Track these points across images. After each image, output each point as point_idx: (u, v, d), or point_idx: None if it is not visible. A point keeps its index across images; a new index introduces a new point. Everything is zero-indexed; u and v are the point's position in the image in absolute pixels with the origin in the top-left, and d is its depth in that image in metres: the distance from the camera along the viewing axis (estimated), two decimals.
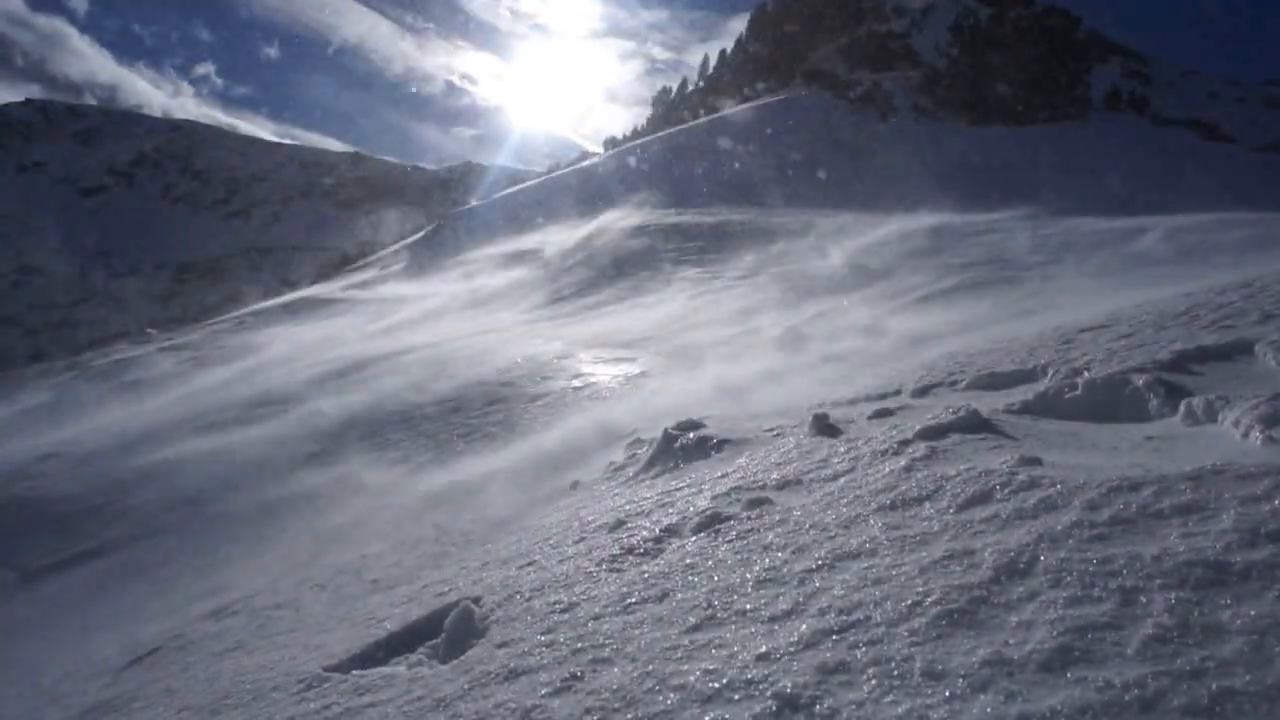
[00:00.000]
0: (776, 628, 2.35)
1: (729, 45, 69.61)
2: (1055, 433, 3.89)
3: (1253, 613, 1.80)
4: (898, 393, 5.99)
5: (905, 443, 3.80)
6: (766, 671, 2.11)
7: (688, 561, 3.11)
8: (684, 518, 3.68)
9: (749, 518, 3.41)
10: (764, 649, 2.23)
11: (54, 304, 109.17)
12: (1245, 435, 3.14)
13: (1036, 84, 47.86)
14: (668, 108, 67.27)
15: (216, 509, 9.08)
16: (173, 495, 9.58)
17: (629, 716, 2.10)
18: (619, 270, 23.05)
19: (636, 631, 2.61)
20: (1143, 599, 1.96)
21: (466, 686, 2.63)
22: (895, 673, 1.94)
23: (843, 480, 3.59)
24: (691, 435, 5.48)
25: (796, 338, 11.67)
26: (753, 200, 33.66)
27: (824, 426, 4.77)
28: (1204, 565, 2.03)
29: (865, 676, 1.96)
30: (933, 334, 9.88)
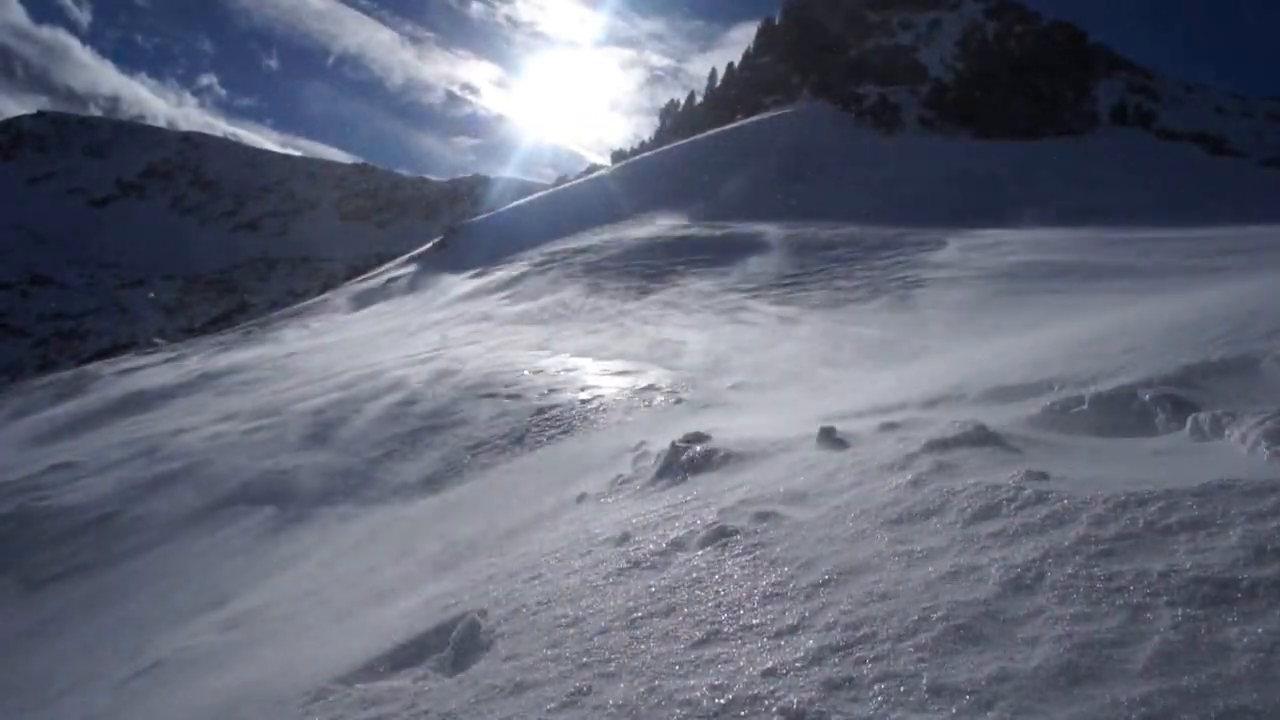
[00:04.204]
0: (783, 643, 2.35)
1: (730, 54, 70.11)
2: (1062, 447, 3.88)
3: (1260, 630, 1.79)
4: (904, 406, 5.98)
5: (912, 456, 3.80)
6: (772, 687, 2.10)
7: (694, 575, 3.11)
8: (690, 531, 3.68)
9: (756, 531, 3.41)
10: (770, 664, 2.23)
11: (63, 314, 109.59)
12: (1252, 450, 3.13)
13: (1043, 98, 47.92)
14: (676, 120, 67.49)
15: (223, 521, 9.09)
16: (180, 508, 9.59)
17: None
18: (634, 281, 23.09)
19: (642, 646, 2.61)
20: (1149, 615, 1.96)
21: (472, 700, 2.63)
22: (901, 688, 1.94)
23: (849, 494, 3.58)
24: (698, 448, 5.48)
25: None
26: (762, 212, 33.69)
27: (831, 440, 4.77)
28: (1211, 582, 2.03)
29: (871, 692, 1.96)
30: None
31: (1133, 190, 33.81)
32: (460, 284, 29.97)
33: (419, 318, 24.90)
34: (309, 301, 41.00)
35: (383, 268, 46.64)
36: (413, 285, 34.11)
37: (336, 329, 27.14)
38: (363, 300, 33.99)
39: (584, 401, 10.74)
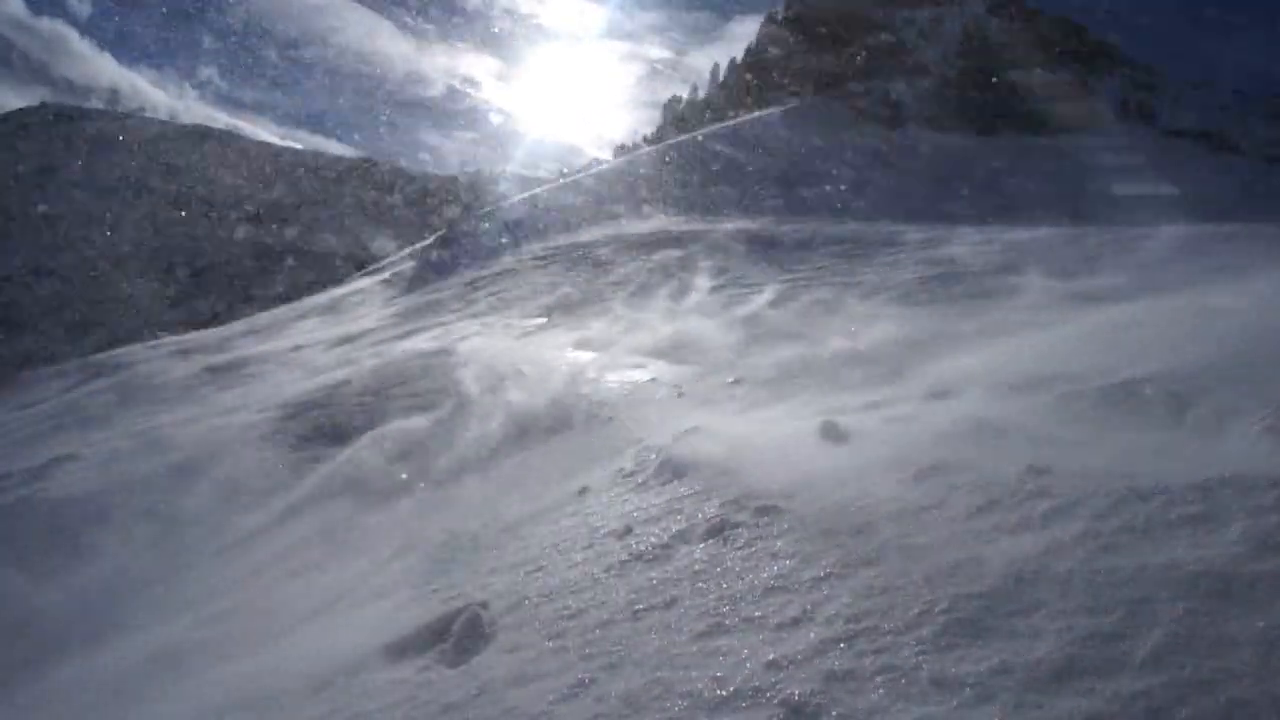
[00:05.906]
0: (784, 635, 2.36)
1: (731, 48, 69.92)
2: (1064, 441, 3.88)
3: (1261, 624, 1.80)
4: (907, 400, 5.98)
5: (914, 450, 3.80)
6: (774, 679, 2.11)
7: (696, 568, 3.12)
8: (692, 524, 3.68)
9: (757, 525, 3.41)
10: (772, 656, 2.23)
11: (67, 306, 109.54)
12: (1253, 446, 3.14)
13: (1045, 95, 47.81)
14: (678, 116, 67.36)
15: (226, 515, 9.11)
16: (184, 501, 9.61)
17: None
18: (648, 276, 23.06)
19: (644, 638, 2.61)
20: (1151, 609, 1.97)
21: (474, 692, 2.64)
22: (903, 681, 1.95)
23: (851, 488, 3.59)
24: (701, 441, 5.48)
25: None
26: (764, 209, 33.67)
27: (833, 433, 4.77)
28: (1212, 576, 2.03)
29: (873, 685, 1.97)
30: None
31: (1136, 187, 33.72)
32: (459, 280, 29.94)
33: (421, 313, 24.89)
34: (317, 297, 40.98)
35: (385, 262, 46.58)
36: (414, 281, 34.08)
37: (342, 324, 27.13)
38: (368, 296, 33.96)
39: (586, 395, 10.74)
